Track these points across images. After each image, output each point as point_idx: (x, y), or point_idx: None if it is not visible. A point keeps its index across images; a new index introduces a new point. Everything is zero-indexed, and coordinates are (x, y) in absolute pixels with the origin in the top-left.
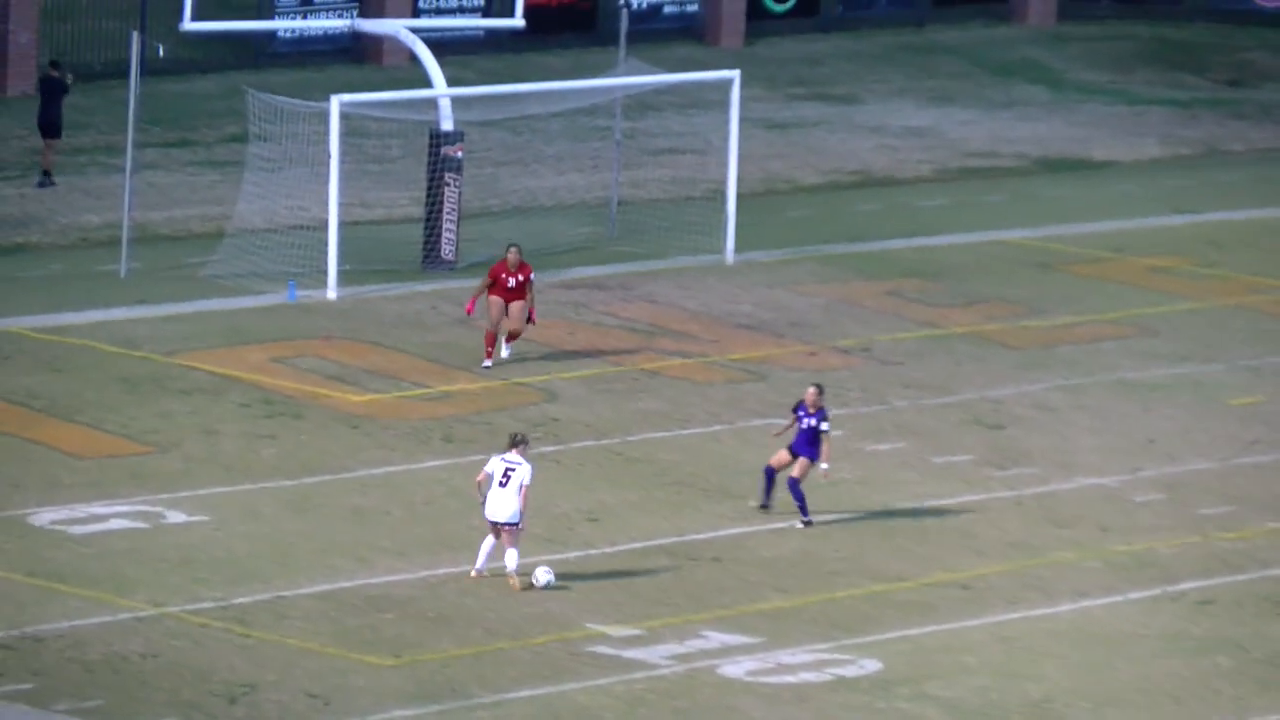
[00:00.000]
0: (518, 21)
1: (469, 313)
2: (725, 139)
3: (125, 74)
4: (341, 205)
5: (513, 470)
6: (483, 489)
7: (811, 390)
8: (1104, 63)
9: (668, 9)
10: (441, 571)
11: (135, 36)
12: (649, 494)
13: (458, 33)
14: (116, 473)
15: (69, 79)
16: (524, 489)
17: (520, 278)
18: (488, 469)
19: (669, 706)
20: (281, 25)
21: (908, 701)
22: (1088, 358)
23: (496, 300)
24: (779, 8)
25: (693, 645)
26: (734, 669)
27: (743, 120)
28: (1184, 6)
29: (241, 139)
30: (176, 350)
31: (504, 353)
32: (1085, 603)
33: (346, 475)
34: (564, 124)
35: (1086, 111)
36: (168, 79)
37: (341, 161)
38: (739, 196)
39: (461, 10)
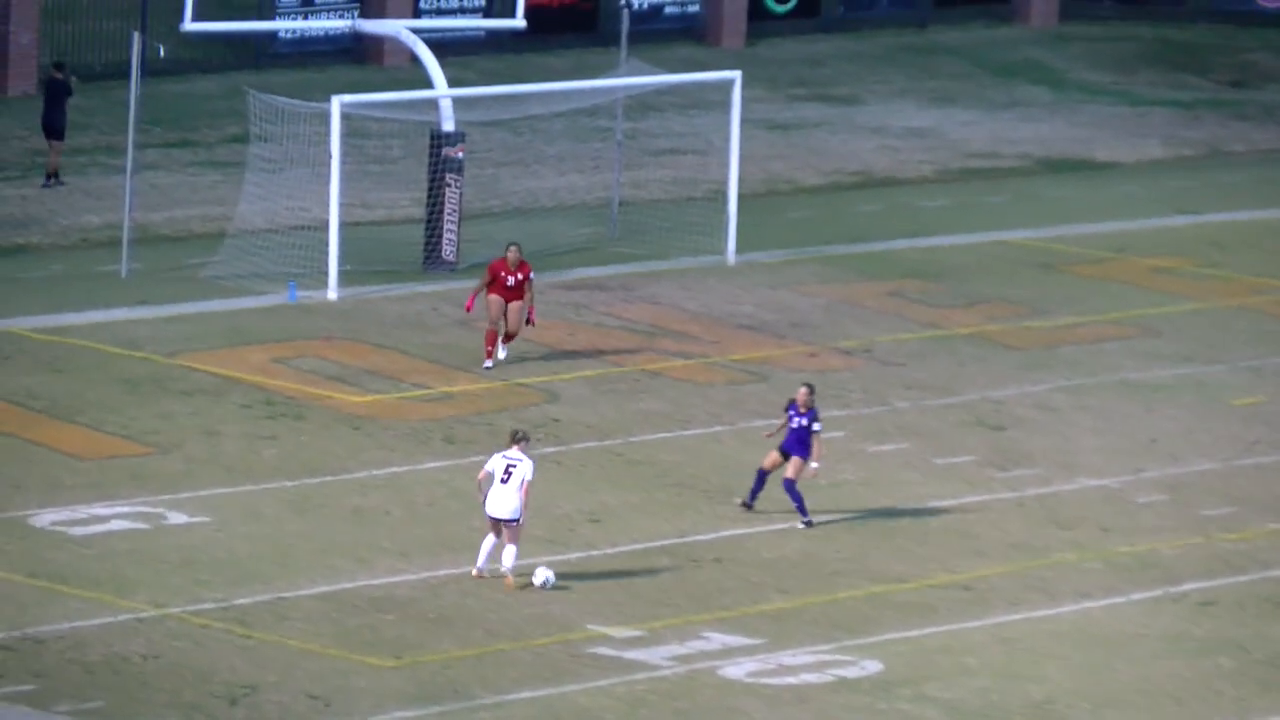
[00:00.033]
0: (519, 22)
1: (468, 310)
2: (726, 140)
3: (126, 74)
4: (342, 206)
5: (514, 467)
6: (484, 486)
7: (803, 390)
8: (1106, 63)
9: (669, 9)
10: (442, 572)
11: (136, 37)
12: (650, 495)
13: (459, 33)
14: (117, 474)
15: (72, 81)
16: (525, 485)
17: (519, 276)
18: (488, 466)
19: (670, 708)
20: (282, 26)
21: (909, 703)
22: (1090, 358)
23: (495, 299)
24: (780, 8)
25: (694, 646)
26: (735, 670)
27: (744, 121)
28: (1187, 7)
29: (242, 139)
30: (177, 351)
31: (500, 354)
32: (1087, 604)
33: (347, 476)
34: (565, 125)
35: (1089, 112)
36: (168, 79)
37: (342, 162)
38: (740, 197)
39: (462, 11)
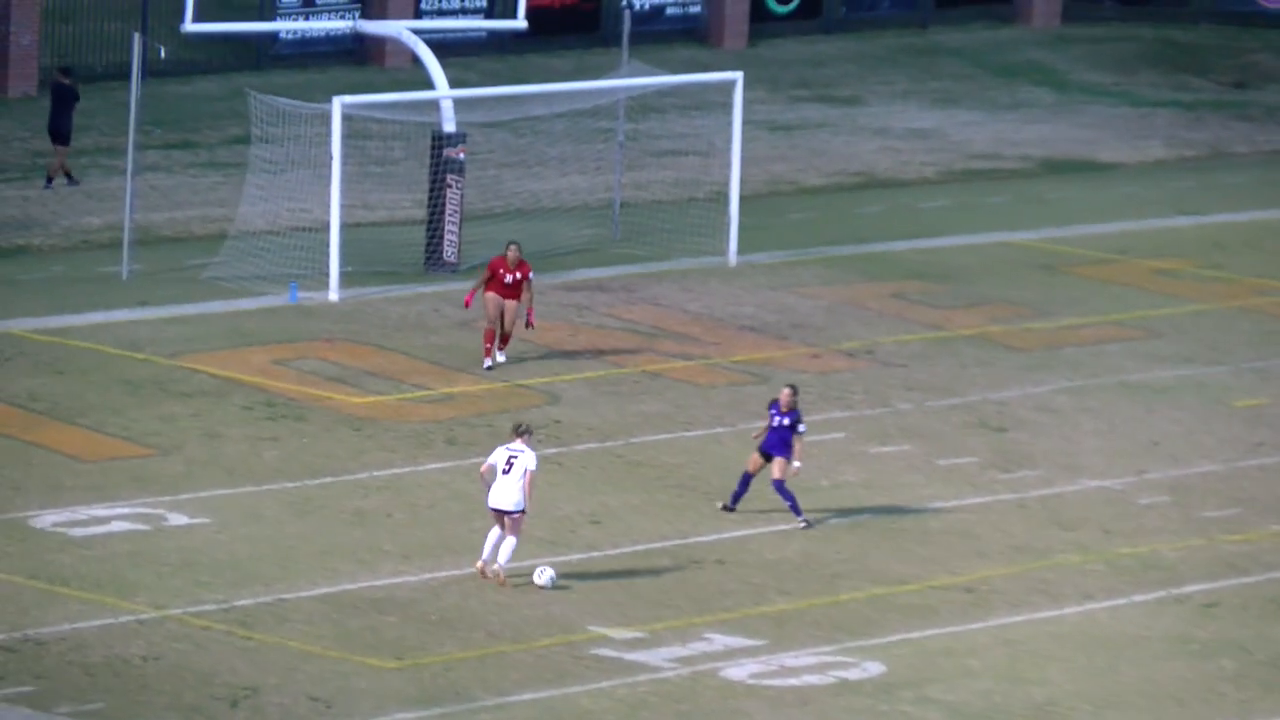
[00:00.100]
0: (520, 23)
1: (466, 305)
2: (728, 141)
3: (127, 76)
4: (344, 207)
5: (515, 458)
6: (487, 479)
7: (786, 391)
8: (1108, 64)
9: (670, 10)
10: (444, 574)
11: (137, 38)
12: (651, 496)
13: (460, 34)
14: (118, 475)
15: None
16: (528, 475)
17: (517, 275)
18: (491, 459)
19: (672, 709)
20: (283, 26)
21: (911, 704)
22: (1092, 360)
23: (492, 297)
24: (782, 9)
25: (695, 648)
26: (737, 671)
27: (746, 122)
28: (1189, 8)
29: (243, 141)
30: (178, 352)
31: (500, 358)
32: (1089, 605)
33: (348, 477)
34: (566, 126)
35: (1091, 113)
36: (169, 80)
37: (344, 163)
38: (742, 198)
39: (464, 12)
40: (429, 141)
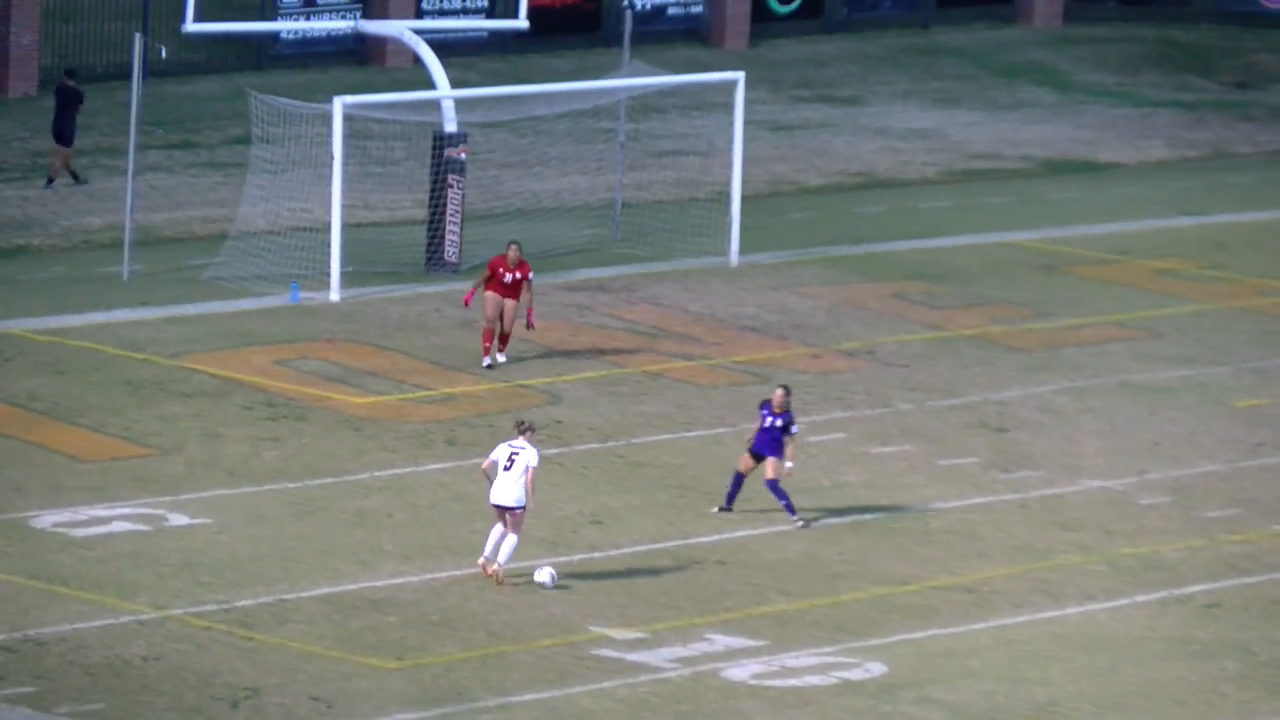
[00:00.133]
0: (521, 23)
1: (466, 304)
2: (729, 141)
3: (128, 76)
4: (345, 207)
5: (517, 454)
6: (489, 475)
7: (779, 391)
8: (1110, 65)
9: (672, 10)
10: (445, 574)
11: (138, 38)
12: (653, 497)
13: (461, 34)
14: (119, 475)
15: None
16: (530, 472)
17: (517, 275)
18: (493, 455)
19: (673, 710)
20: (284, 26)
21: (912, 705)
22: (1093, 360)
23: (491, 296)
24: (783, 9)
25: (697, 648)
26: (738, 672)
27: (747, 122)
28: (1191, 8)
29: (244, 141)
30: (179, 353)
31: (500, 358)
32: (1091, 606)
33: (349, 478)
34: (568, 126)
35: (1092, 113)
36: (170, 81)
37: (344, 163)
38: (743, 198)
39: (465, 11)
40: (430, 141)
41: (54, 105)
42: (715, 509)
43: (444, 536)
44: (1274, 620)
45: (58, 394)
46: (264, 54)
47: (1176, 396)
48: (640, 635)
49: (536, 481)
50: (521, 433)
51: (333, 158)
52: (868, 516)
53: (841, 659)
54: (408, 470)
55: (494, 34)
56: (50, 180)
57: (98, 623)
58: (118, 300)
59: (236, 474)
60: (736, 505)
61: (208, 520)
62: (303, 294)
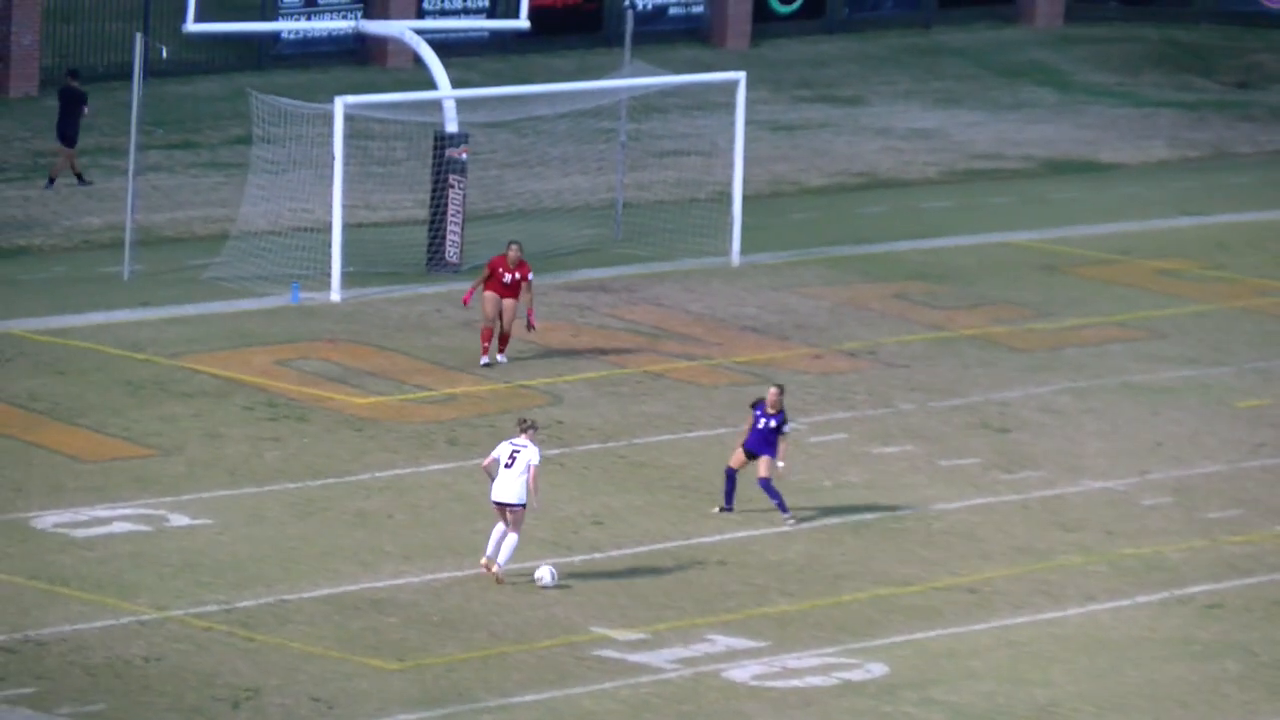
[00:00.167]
0: (522, 23)
1: (465, 304)
2: (731, 141)
3: (128, 76)
4: (346, 207)
5: (519, 452)
6: (491, 471)
7: (773, 391)
8: (1111, 65)
9: (673, 10)
10: (445, 575)
11: (138, 38)
12: (654, 497)
13: (462, 34)
14: (120, 476)
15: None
16: (532, 469)
17: (516, 275)
18: (495, 453)
19: (674, 711)
20: (285, 26)
21: (914, 706)
22: (1095, 360)
23: (490, 295)
24: (785, 9)
25: (698, 649)
26: (739, 673)
27: (748, 122)
28: (1192, 8)
29: (245, 141)
30: (180, 353)
31: (500, 359)
32: (1092, 607)
33: (350, 478)
34: (569, 126)
35: (1094, 113)
36: (171, 81)
37: (345, 163)
38: (744, 198)
39: (466, 12)
40: (431, 141)
41: (57, 106)
42: (716, 509)
43: (445, 537)
44: (1276, 621)
45: (58, 394)
46: (265, 54)
47: (1178, 397)
48: (642, 636)
49: (539, 480)
50: (524, 430)
51: (334, 158)
52: (869, 517)
53: (843, 660)
54: (409, 471)
55: (495, 34)
56: (51, 180)
57: (98, 623)
58: (118, 300)
59: (237, 474)
60: (737, 506)
61: (209, 521)
62: (304, 294)
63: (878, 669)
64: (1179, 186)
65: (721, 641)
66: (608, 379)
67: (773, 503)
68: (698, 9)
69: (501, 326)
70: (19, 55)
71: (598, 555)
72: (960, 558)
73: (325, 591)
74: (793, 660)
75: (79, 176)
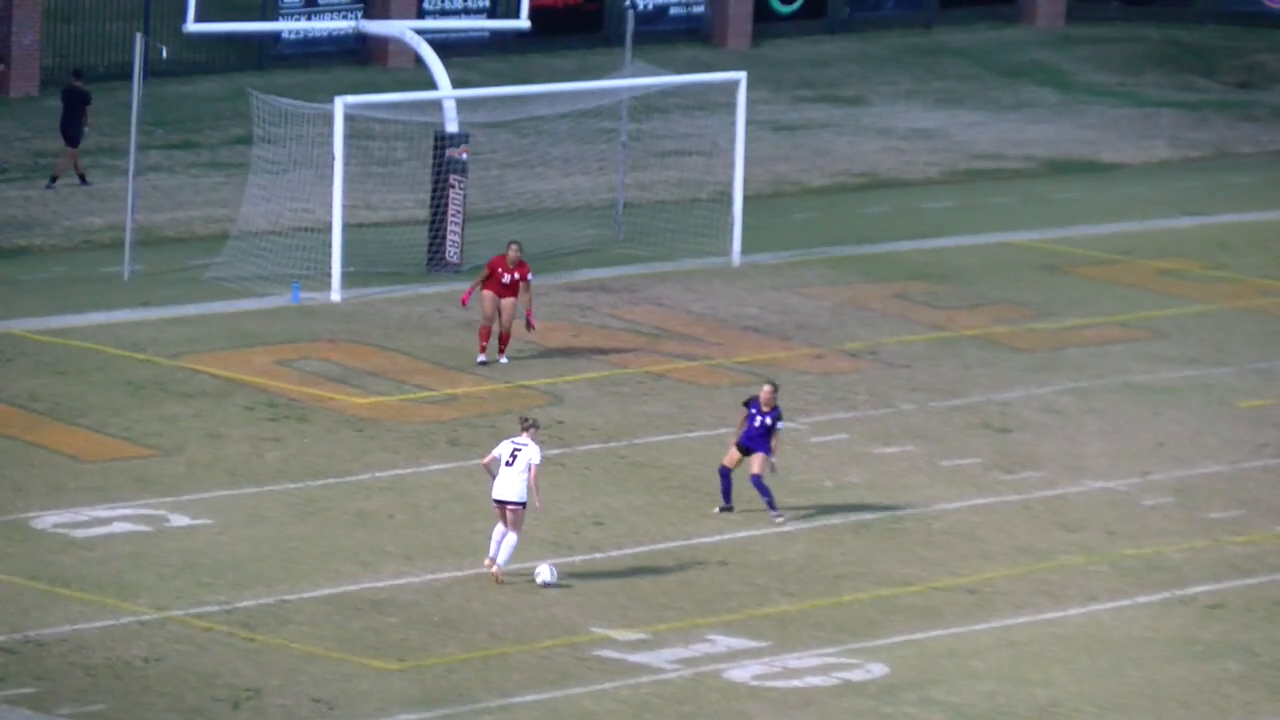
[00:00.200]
0: (523, 23)
1: (463, 304)
2: (732, 141)
3: (129, 76)
4: (346, 207)
5: (520, 451)
6: (491, 470)
7: (767, 388)
8: (1113, 65)
9: (674, 10)
10: (446, 575)
11: (139, 38)
12: (655, 497)
13: (463, 34)
14: (120, 476)
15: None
16: (532, 469)
17: (516, 275)
18: (496, 451)
19: (675, 711)
20: (286, 26)
21: (914, 706)
22: (1096, 360)
23: (488, 294)
24: (785, 9)
25: (698, 649)
26: (740, 673)
27: (749, 122)
28: (1194, 8)
29: (245, 141)
30: (180, 353)
31: (501, 359)
32: (1093, 607)
33: (351, 479)
34: (570, 126)
35: (1095, 113)
36: (171, 80)
37: (346, 163)
38: (745, 198)
39: (466, 12)
40: (431, 141)
41: (61, 106)
42: (717, 510)
43: (445, 537)
44: (1277, 621)
45: (59, 394)
46: (265, 54)
47: (1180, 397)
48: (642, 636)
49: (539, 479)
50: (525, 429)
51: (334, 158)
52: (870, 517)
53: (843, 660)
54: (409, 471)
55: (496, 34)
56: (54, 179)
57: (99, 624)
58: (119, 300)
59: (238, 474)
60: (737, 505)
61: (209, 521)
62: (304, 294)
63: (878, 669)
64: (1181, 186)
65: (722, 641)
66: (609, 379)
67: (763, 500)
68: (698, 9)
69: (501, 325)
70: (19, 55)
71: (598, 555)
72: (961, 558)
73: (326, 592)
74: (793, 660)
75: (81, 177)
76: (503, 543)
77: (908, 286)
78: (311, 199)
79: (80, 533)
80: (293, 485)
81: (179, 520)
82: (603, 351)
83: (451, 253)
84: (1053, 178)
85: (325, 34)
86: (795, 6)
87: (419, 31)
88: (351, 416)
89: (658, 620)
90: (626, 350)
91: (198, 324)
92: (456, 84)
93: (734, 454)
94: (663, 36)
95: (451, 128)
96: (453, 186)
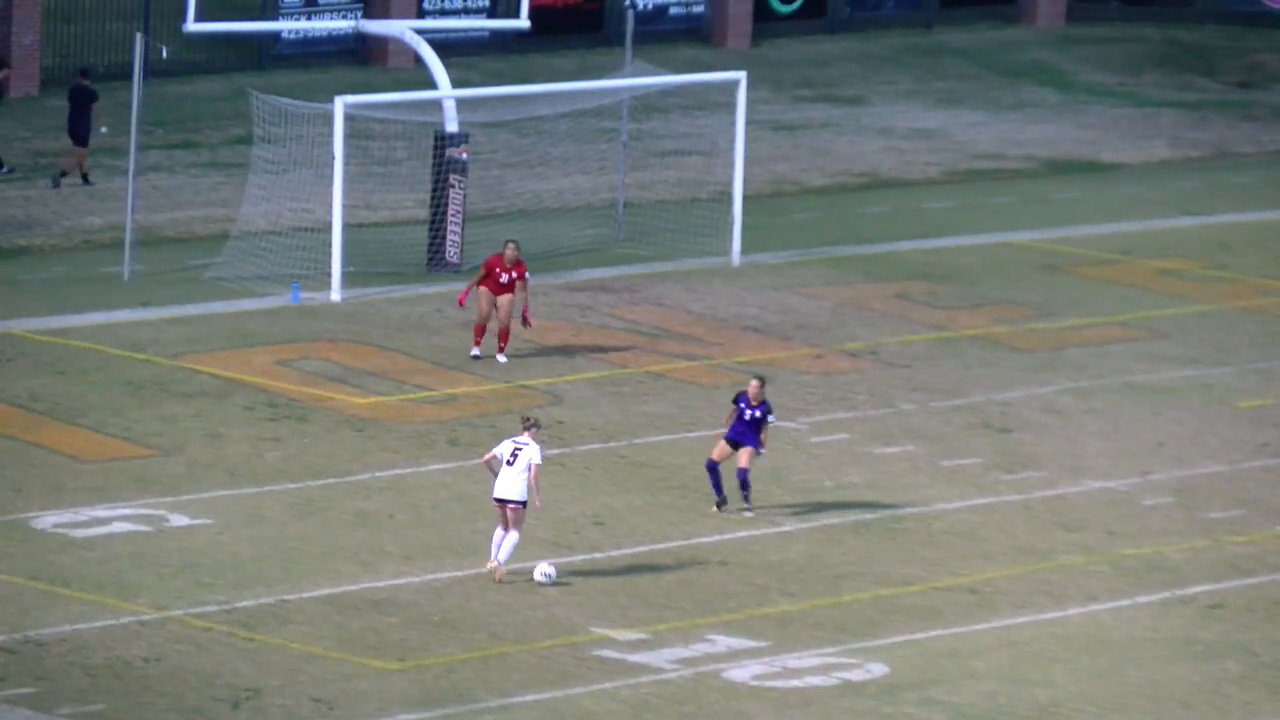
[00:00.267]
0: (523, 23)
1: (460, 304)
2: (732, 141)
3: (129, 76)
4: (346, 207)
5: (520, 450)
6: (492, 467)
7: (754, 384)
8: (1113, 65)
9: (674, 10)
10: (446, 575)
11: (139, 38)
12: (655, 497)
13: (463, 34)
14: (120, 476)
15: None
16: (533, 468)
17: (513, 274)
18: (496, 450)
19: (675, 711)
20: (286, 26)
21: (914, 706)
22: (1096, 360)
23: (485, 293)
24: (785, 9)
25: (698, 649)
26: (740, 673)
27: (749, 122)
28: (1194, 8)
29: (246, 141)
30: (180, 353)
31: (500, 358)
32: (1093, 607)
33: (351, 479)
34: (570, 126)
35: (1095, 113)
36: (171, 80)
37: (346, 163)
38: (745, 198)
39: (466, 11)
40: (431, 141)
41: (68, 105)
42: (715, 508)
43: (445, 537)
44: (1277, 621)
45: (59, 394)
46: (265, 54)
47: (1180, 397)
48: (642, 636)
49: (540, 479)
50: (527, 428)
51: (334, 158)
52: (870, 517)
53: (843, 660)
54: (409, 471)
55: (495, 34)
56: (63, 174)
57: (98, 624)
58: (119, 300)
59: (237, 474)
60: (739, 505)
61: (209, 521)
62: (304, 294)
63: (878, 669)
64: (1181, 186)
65: (722, 641)
66: (609, 379)
67: (741, 493)
68: (698, 9)
69: (499, 322)
70: (19, 55)
71: (598, 555)
72: (961, 558)
73: (325, 592)
74: (793, 660)
75: (84, 177)
76: (503, 543)
77: (908, 286)
78: (311, 199)
79: (80, 533)
80: (293, 485)
81: (179, 520)
82: (603, 351)
83: (451, 253)
84: (1053, 178)
85: (325, 34)
86: (795, 6)
87: (419, 31)
88: (351, 416)
89: (658, 620)
90: (626, 350)
91: (198, 324)
92: (456, 84)
93: (722, 448)
94: (662, 36)
95: (451, 128)
96: (453, 186)
